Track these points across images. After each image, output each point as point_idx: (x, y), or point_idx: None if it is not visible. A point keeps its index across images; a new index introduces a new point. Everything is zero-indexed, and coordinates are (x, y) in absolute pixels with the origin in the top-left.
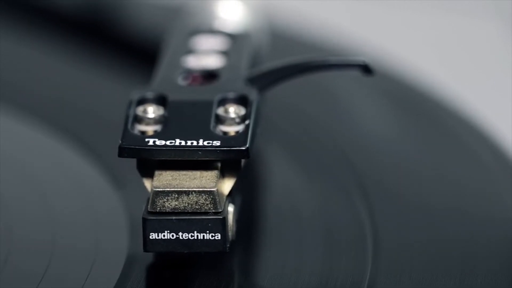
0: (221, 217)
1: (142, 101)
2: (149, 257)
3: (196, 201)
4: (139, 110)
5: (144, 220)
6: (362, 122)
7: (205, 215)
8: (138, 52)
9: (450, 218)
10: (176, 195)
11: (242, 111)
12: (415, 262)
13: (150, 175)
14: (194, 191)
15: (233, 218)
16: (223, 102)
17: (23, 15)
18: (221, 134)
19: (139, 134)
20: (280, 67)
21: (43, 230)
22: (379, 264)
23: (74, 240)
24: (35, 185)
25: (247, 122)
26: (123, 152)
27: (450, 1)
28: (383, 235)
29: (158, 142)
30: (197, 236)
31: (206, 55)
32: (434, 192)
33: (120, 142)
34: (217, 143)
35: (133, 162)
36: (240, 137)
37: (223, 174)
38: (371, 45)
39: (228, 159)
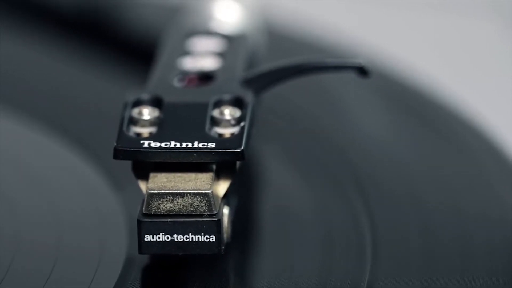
0: (216, 219)
1: (137, 103)
2: (147, 259)
3: (191, 203)
4: (135, 112)
5: (139, 222)
6: (361, 122)
7: (200, 217)
8: (135, 53)
9: (449, 218)
10: (171, 197)
11: (237, 113)
12: (414, 262)
13: (145, 177)
14: (189, 193)
15: (228, 220)
16: (218, 104)
17: (22, 15)
18: (216, 136)
19: (134, 136)
20: (276, 69)
21: (41, 231)
22: (378, 264)
23: (72, 241)
24: (33, 186)
25: (242, 124)
26: (118, 154)
27: (450, 2)
28: (381, 235)
29: (153, 144)
30: (192, 238)
31: (202, 56)
32: (434, 193)
33: (115, 144)
34: (212, 145)
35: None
36: (235, 139)
37: (218, 176)
38: (370, 45)
39: (223, 161)
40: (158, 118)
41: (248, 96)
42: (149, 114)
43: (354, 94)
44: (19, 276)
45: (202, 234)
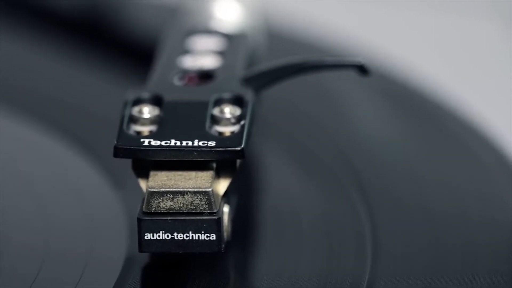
0: (216, 218)
1: (137, 102)
2: (147, 257)
3: (191, 202)
4: (135, 110)
5: (139, 220)
6: (361, 122)
7: (200, 216)
8: (135, 53)
9: (449, 219)
10: (171, 196)
11: (237, 111)
12: (415, 263)
13: (146, 176)
14: (189, 191)
15: (228, 219)
16: (218, 102)
17: (21, 16)
18: (216, 134)
19: (134, 134)
20: (276, 67)
21: (41, 230)
22: (378, 265)
23: (72, 240)
24: (33, 185)
25: (242, 122)
26: (118, 152)
27: (450, 2)
28: (382, 236)
29: (153, 143)
30: (192, 236)
31: (202, 55)
32: (433, 193)
33: (115, 142)
34: (212, 143)
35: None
36: (236, 137)
37: (218, 175)
38: (370, 45)
39: (224, 160)
40: (158, 116)
41: (248, 95)
42: (149, 113)
43: (354, 93)
44: (17, 276)
45: (202, 232)
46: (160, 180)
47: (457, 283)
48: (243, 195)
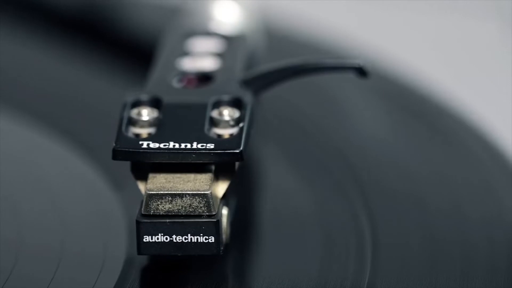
0: (214, 220)
1: (136, 104)
2: (147, 259)
3: (190, 204)
4: (134, 112)
5: (138, 223)
6: (360, 123)
7: (198, 218)
8: (134, 54)
9: (448, 218)
10: (170, 198)
11: (236, 113)
12: (414, 263)
13: (144, 178)
14: (188, 194)
15: (227, 221)
16: (217, 104)
17: (21, 16)
18: (215, 136)
19: (133, 136)
20: (275, 69)
21: (41, 231)
22: (378, 264)
23: (72, 241)
24: (33, 186)
25: (241, 124)
26: (117, 155)
27: (450, 1)
28: (382, 236)
29: (152, 145)
30: (191, 239)
31: (202, 57)
32: (433, 193)
33: (114, 145)
34: (211, 146)
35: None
36: (234, 139)
37: (217, 177)
38: (369, 46)
39: (222, 162)
40: (157, 118)
41: (247, 97)
42: (148, 115)
43: (354, 94)
44: (18, 277)
45: (201, 235)
46: (158, 182)
47: (456, 283)
48: (242, 197)
